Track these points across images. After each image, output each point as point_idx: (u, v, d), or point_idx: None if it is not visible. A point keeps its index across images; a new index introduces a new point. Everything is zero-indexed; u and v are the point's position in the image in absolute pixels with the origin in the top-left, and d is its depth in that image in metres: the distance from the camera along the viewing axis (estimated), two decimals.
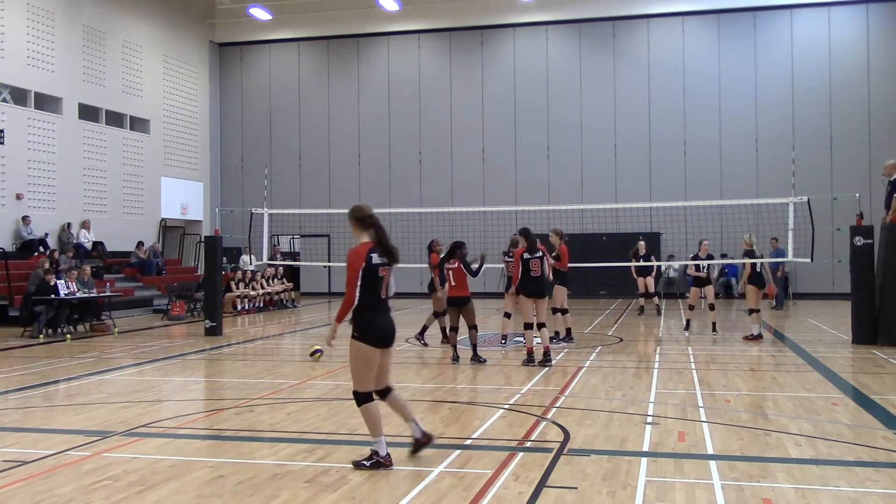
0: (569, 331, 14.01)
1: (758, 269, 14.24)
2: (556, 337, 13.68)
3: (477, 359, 11.61)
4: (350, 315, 6.09)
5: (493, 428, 7.52)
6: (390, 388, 6.29)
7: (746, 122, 25.79)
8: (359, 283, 5.97)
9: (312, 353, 12.15)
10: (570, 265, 14.16)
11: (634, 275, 19.09)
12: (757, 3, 25.78)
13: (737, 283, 25.14)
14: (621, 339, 14.56)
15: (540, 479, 5.72)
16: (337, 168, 28.68)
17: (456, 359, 11.73)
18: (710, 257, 15.15)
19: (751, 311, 14.15)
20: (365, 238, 6.09)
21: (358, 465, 6.04)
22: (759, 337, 14.02)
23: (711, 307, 15.24)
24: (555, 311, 13.71)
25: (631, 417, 7.86)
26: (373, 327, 6.02)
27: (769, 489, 5.49)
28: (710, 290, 14.98)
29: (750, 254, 14.25)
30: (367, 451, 6.18)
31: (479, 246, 23.99)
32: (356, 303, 6.00)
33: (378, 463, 6.01)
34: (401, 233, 21.47)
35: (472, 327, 11.81)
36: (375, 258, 6.02)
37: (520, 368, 11.21)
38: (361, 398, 6.06)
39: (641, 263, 18.68)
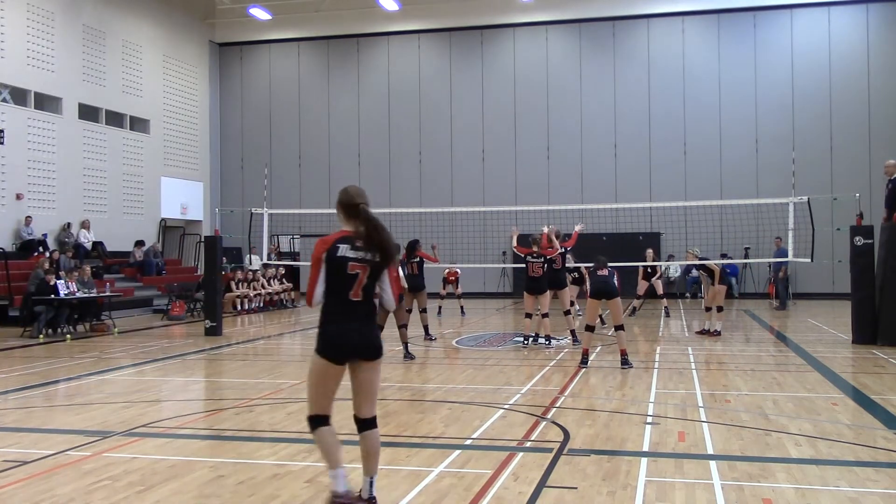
0: (536, 335, 13.87)
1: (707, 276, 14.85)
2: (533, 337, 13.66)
3: (409, 356, 12.13)
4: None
5: (493, 428, 7.50)
6: (365, 421, 4.94)
7: (746, 122, 25.77)
8: (321, 279, 4.77)
9: None
10: (568, 265, 14.57)
11: (640, 278, 19.13)
12: (757, 3, 25.77)
13: (737, 283, 25.20)
14: None
15: (540, 479, 5.72)
16: (337, 168, 28.64)
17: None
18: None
19: (719, 309, 14.74)
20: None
21: None
22: (717, 333, 14.69)
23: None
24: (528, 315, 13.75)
25: (631, 417, 7.86)
26: (325, 335, 4.79)
27: (769, 489, 5.48)
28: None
29: (701, 263, 14.81)
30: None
31: (480, 246, 24.17)
32: (317, 302, 4.81)
33: None
34: (401, 233, 21.44)
35: (403, 326, 12.30)
36: (345, 249, 4.77)
37: (520, 368, 11.22)
38: (310, 422, 4.86)
39: (650, 263, 18.80)
